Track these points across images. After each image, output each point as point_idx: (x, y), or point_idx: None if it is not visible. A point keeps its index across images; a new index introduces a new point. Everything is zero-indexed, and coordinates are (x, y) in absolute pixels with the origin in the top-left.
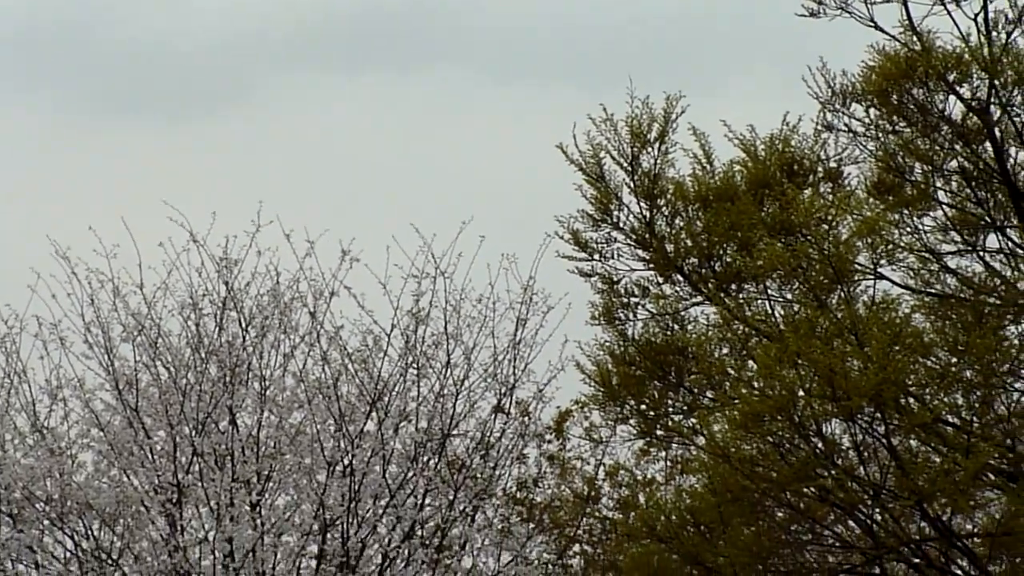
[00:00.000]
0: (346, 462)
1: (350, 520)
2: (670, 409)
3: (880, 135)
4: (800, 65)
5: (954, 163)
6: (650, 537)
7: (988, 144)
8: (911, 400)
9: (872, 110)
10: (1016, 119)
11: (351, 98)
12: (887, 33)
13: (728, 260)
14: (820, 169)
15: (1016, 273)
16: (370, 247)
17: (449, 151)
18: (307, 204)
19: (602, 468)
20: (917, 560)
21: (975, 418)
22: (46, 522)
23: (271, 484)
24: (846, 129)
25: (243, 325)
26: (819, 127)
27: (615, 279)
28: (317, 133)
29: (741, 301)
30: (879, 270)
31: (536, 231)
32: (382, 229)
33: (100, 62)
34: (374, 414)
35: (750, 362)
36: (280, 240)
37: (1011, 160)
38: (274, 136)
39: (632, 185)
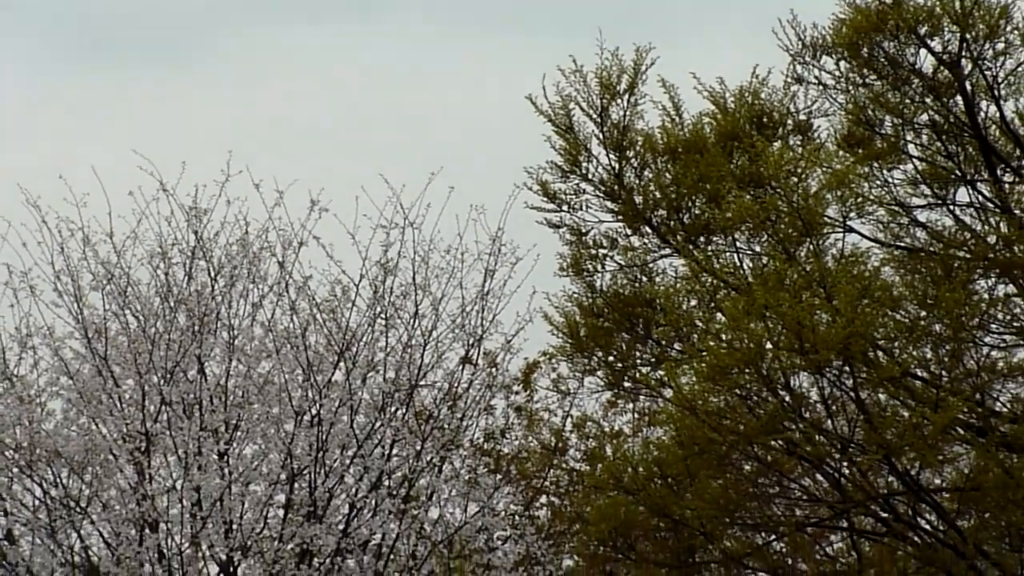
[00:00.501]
0: (314, 412)
1: (317, 470)
2: (638, 361)
3: (850, 88)
4: (771, 17)
5: (924, 116)
6: (617, 489)
7: (959, 98)
8: (880, 353)
9: (842, 63)
10: (986, 73)
11: (323, 48)
12: None
13: (697, 212)
14: (790, 122)
15: (986, 227)
16: (339, 197)
17: (418, 102)
18: (276, 154)
19: (569, 420)
20: (885, 514)
21: (944, 372)
22: (15, 470)
23: (239, 433)
24: (816, 82)
25: (212, 274)
26: (789, 80)
27: (583, 231)
28: (288, 82)
29: (710, 253)
30: (848, 223)
31: (505, 182)
32: (351, 179)
33: (73, 10)
34: (342, 364)
35: (718, 314)
36: (249, 190)
37: (981, 114)
38: (244, 85)
39: (601, 137)
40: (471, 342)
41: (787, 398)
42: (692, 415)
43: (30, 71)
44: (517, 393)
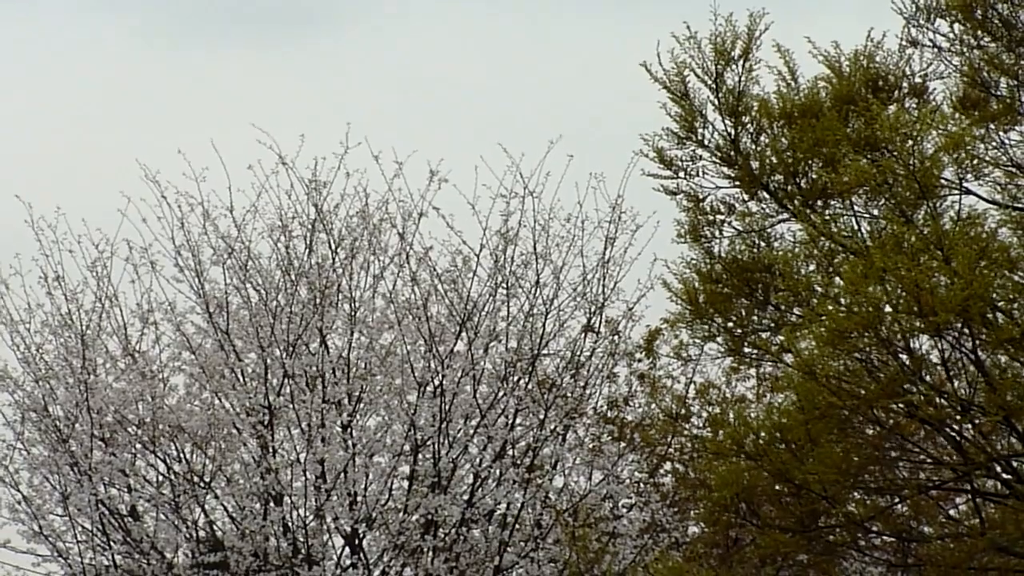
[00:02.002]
0: (436, 382)
1: (441, 440)
2: (757, 326)
3: (965, 50)
4: None
5: None
6: (739, 455)
7: None
8: (999, 315)
9: (956, 25)
10: None
11: (440, 18)
12: None
13: (813, 176)
14: (905, 85)
15: None
16: (458, 167)
17: (537, 70)
18: (395, 125)
19: (692, 386)
20: (1007, 476)
21: None
22: (138, 446)
23: (362, 405)
24: (931, 44)
25: (333, 247)
26: (904, 43)
27: (700, 197)
28: (406, 54)
29: (827, 217)
30: (965, 185)
31: (625, 149)
32: (470, 149)
33: None
34: (464, 334)
35: (836, 279)
36: (369, 161)
37: None
38: (362, 57)
39: (716, 102)
40: (593, 310)
41: (907, 361)
42: (812, 380)
43: (144, 46)
44: (640, 360)
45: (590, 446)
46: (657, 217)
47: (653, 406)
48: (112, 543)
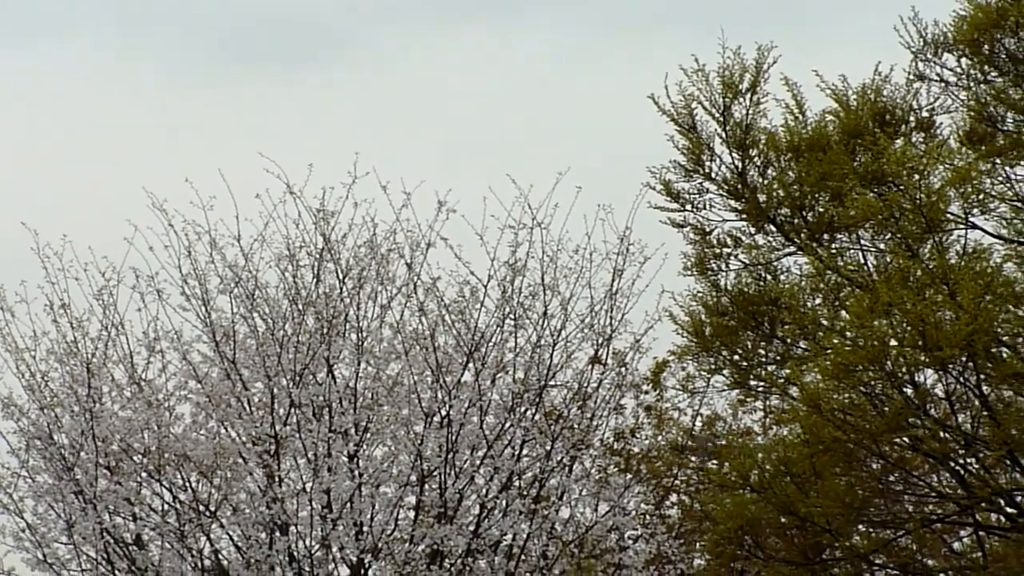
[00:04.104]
0: (443, 413)
1: (448, 471)
2: (763, 359)
3: (972, 84)
4: (892, 15)
5: None
6: (744, 487)
7: None
8: (1003, 350)
9: (964, 60)
10: None
11: (448, 51)
12: None
13: (820, 210)
14: (912, 119)
15: None
16: (466, 198)
17: (547, 103)
18: (403, 155)
19: (699, 418)
20: (1010, 509)
21: None
22: (144, 474)
23: (369, 435)
24: (938, 79)
25: (340, 276)
26: (911, 77)
27: (707, 229)
28: (414, 85)
29: (833, 251)
30: (971, 219)
31: (633, 181)
32: (479, 180)
33: (199, 18)
34: (471, 365)
35: (842, 312)
36: (377, 191)
37: None
38: (371, 88)
39: (724, 135)
40: (600, 342)
41: (912, 395)
42: (817, 413)
43: (157, 73)
44: (647, 392)
45: (596, 477)
46: (665, 249)
47: (660, 438)
48: (117, 572)
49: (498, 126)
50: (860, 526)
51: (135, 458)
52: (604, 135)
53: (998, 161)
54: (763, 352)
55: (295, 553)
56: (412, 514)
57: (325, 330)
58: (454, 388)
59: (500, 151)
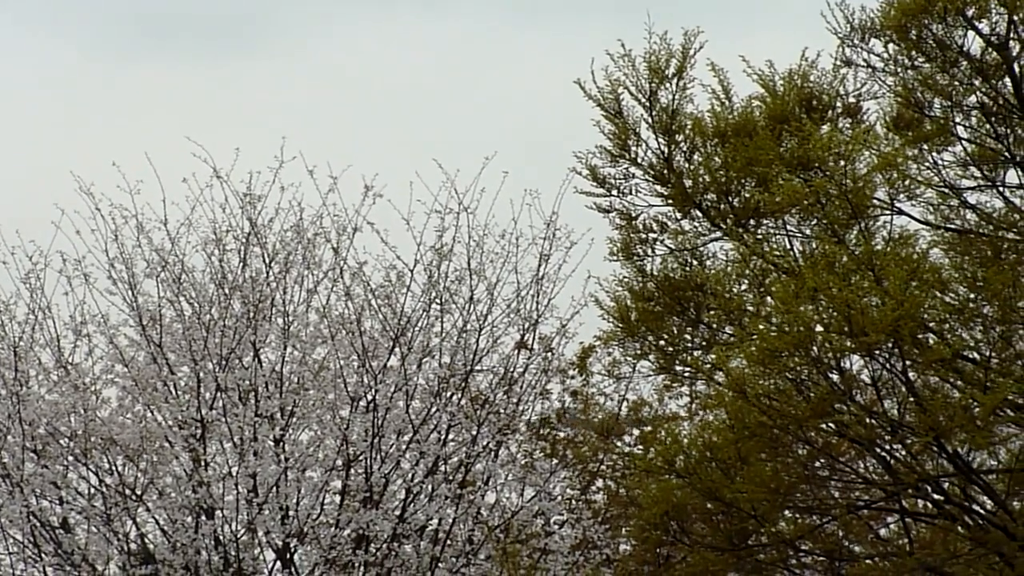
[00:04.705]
0: (369, 397)
1: (373, 455)
2: (689, 345)
3: (899, 70)
4: (820, 1)
5: (973, 98)
6: (669, 472)
7: (1007, 79)
8: (930, 336)
9: (891, 45)
10: None
11: (372, 33)
12: None
13: (746, 196)
14: (839, 104)
15: None
16: (393, 183)
17: (473, 87)
18: (330, 140)
19: (625, 404)
20: (936, 496)
21: (993, 354)
22: (70, 458)
23: (295, 419)
24: (865, 64)
25: (266, 261)
26: (838, 62)
27: (633, 215)
28: (339, 69)
29: (759, 237)
30: (897, 205)
31: (559, 166)
32: (405, 165)
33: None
34: (397, 349)
35: (768, 298)
36: (303, 176)
37: None
38: (297, 72)
39: (650, 120)
40: (526, 327)
41: (837, 381)
42: (743, 399)
43: (80, 58)
44: (573, 377)
45: (522, 462)
46: (592, 234)
47: (585, 423)
48: (43, 555)
49: (423, 111)
50: (786, 512)
51: (62, 441)
52: (530, 120)
53: (925, 147)
54: (689, 337)
55: (221, 537)
56: (338, 498)
57: (251, 314)
58: (380, 372)
59: (426, 136)
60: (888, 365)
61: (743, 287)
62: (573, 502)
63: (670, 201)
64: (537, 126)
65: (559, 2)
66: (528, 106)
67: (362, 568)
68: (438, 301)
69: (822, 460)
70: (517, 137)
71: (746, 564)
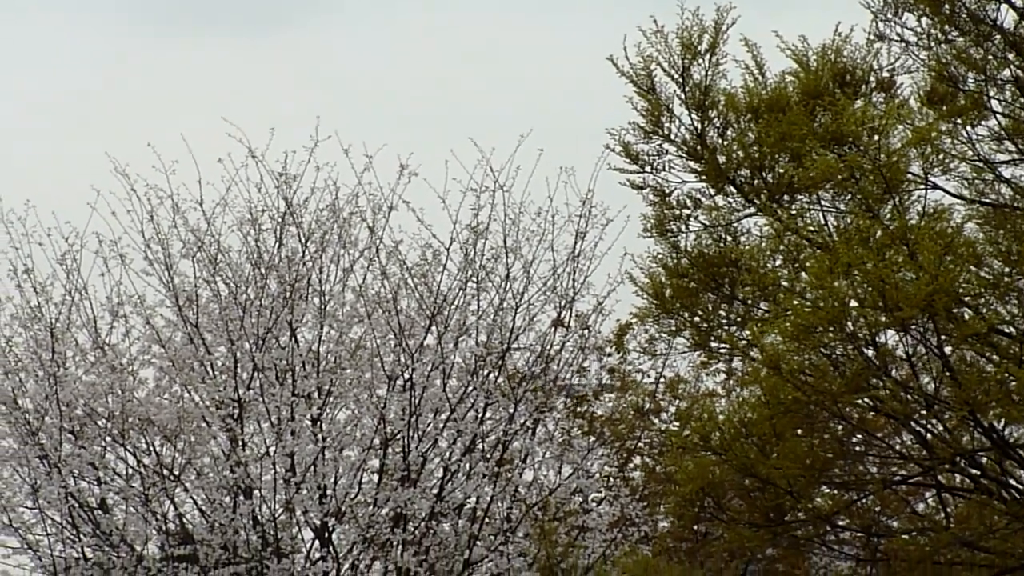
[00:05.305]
0: (406, 376)
1: (411, 434)
2: (723, 321)
3: (932, 44)
4: None
5: (1007, 72)
6: (705, 449)
7: None
8: (964, 310)
9: (924, 19)
10: None
11: (407, 12)
12: None
13: (780, 171)
14: (872, 79)
15: None
16: (428, 161)
17: (508, 64)
18: (365, 119)
19: (662, 381)
20: (973, 471)
21: None
22: (108, 438)
23: (332, 399)
24: (899, 39)
25: (302, 240)
26: (871, 37)
27: (667, 191)
28: (377, 48)
29: (793, 212)
30: (931, 180)
31: (596, 144)
32: (441, 143)
33: None
34: (434, 328)
35: (802, 273)
36: (339, 155)
37: None
38: (333, 52)
39: (683, 97)
40: (563, 304)
41: (872, 356)
42: (778, 375)
43: (117, 38)
44: (609, 355)
45: (560, 440)
46: (627, 211)
47: (623, 400)
48: (82, 536)
49: (458, 89)
50: (822, 488)
51: (99, 422)
52: (567, 97)
53: (959, 121)
54: (724, 314)
55: (259, 517)
56: (376, 477)
57: (288, 294)
58: (417, 351)
59: (461, 114)
60: (923, 340)
61: (777, 263)
62: (611, 479)
63: (703, 177)
64: (573, 103)
65: None
66: (564, 83)
67: (400, 547)
68: (474, 279)
69: (858, 436)
70: (554, 115)
71: (782, 540)
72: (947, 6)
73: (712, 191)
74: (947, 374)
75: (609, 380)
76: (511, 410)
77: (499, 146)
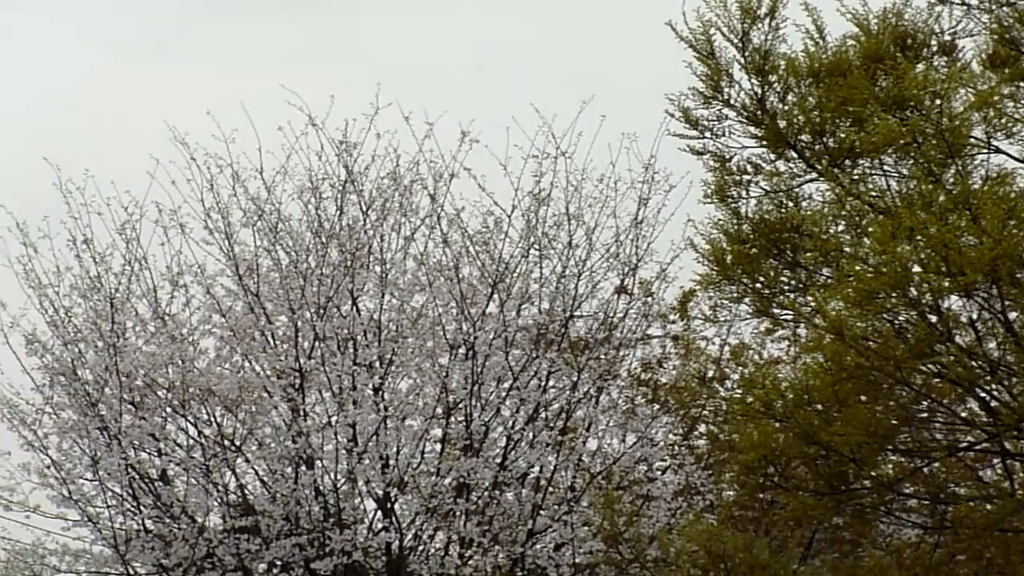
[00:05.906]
0: (468, 345)
1: (473, 403)
2: (785, 287)
3: (994, 7)
4: None
5: None
6: (767, 416)
7: None
8: None
9: None
10: None
11: None
12: None
13: (841, 136)
14: (934, 43)
15: None
16: (489, 128)
17: (570, 29)
18: (426, 85)
19: (726, 348)
20: None
21: None
22: (168, 409)
23: (393, 368)
24: (960, 2)
25: (363, 208)
26: (933, 0)
27: (727, 157)
28: (436, 11)
29: (855, 177)
30: (994, 143)
31: (658, 109)
32: (502, 109)
33: None
34: (496, 296)
35: (864, 239)
36: (399, 122)
37: None
38: (393, 17)
39: (742, 61)
40: (626, 271)
41: (936, 322)
42: (840, 341)
43: (175, 7)
44: (673, 322)
45: (623, 408)
46: (690, 177)
47: (687, 368)
48: (142, 507)
49: (520, 55)
50: (887, 455)
51: (159, 393)
52: (629, 62)
53: (1021, 84)
54: (785, 280)
55: (321, 487)
56: (438, 447)
57: (349, 262)
58: (479, 319)
59: (523, 80)
60: (987, 305)
61: (839, 228)
62: (675, 447)
63: (764, 142)
64: (636, 69)
65: None
66: (625, 48)
67: (463, 517)
68: (536, 247)
69: (922, 402)
70: (616, 80)
71: (847, 508)
72: None
73: (773, 156)
74: (1012, 339)
75: (673, 348)
76: (574, 378)
77: (561, 112)
